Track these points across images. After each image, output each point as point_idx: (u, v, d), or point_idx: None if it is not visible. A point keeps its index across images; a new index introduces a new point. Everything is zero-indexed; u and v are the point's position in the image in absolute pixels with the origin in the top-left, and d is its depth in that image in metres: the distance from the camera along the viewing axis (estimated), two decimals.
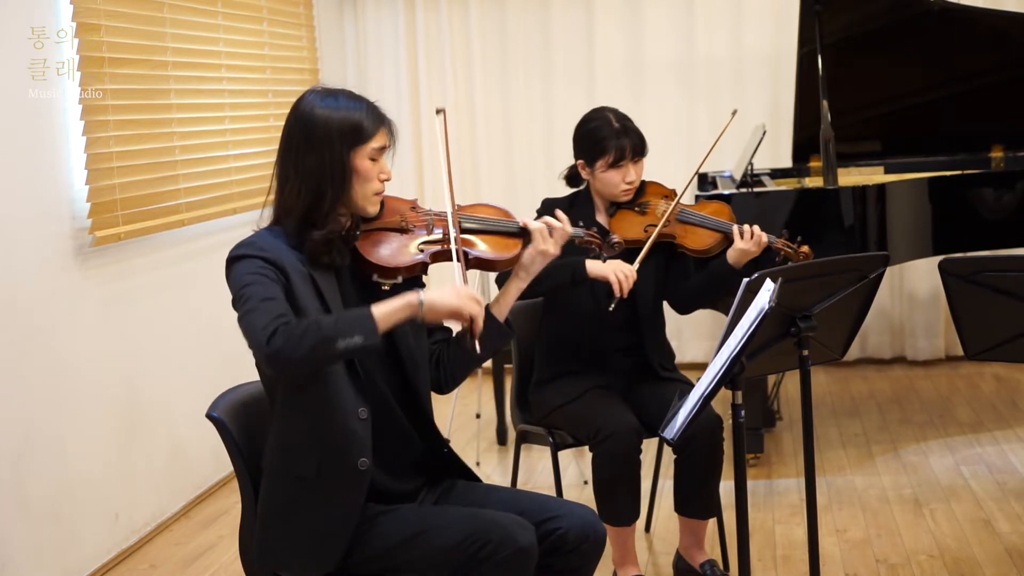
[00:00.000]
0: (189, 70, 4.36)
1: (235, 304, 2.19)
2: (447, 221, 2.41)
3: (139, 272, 4.00)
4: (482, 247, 2.46)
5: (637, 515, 3.20)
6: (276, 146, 5.52)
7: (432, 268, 2.43)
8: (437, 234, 2.41)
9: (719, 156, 5.65)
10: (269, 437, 2.34)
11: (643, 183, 3.36)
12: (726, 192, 4.34)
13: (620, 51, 5.82)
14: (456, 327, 2.36)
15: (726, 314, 2.42)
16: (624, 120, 3.27)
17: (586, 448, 3.21)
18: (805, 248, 3.28)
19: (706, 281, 3.32)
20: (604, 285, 3.17)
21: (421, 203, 2.49)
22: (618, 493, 3.13)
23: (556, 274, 2.99)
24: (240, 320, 2.15)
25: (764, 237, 3.23)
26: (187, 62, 4.35)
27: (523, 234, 2.50)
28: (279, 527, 2.28)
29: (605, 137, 3.23)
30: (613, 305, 3.14)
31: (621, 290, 3.09)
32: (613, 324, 3.30)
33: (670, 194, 3.37)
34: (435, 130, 2.49)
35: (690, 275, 3.35)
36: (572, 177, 3.39)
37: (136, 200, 3.93)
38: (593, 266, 3.11)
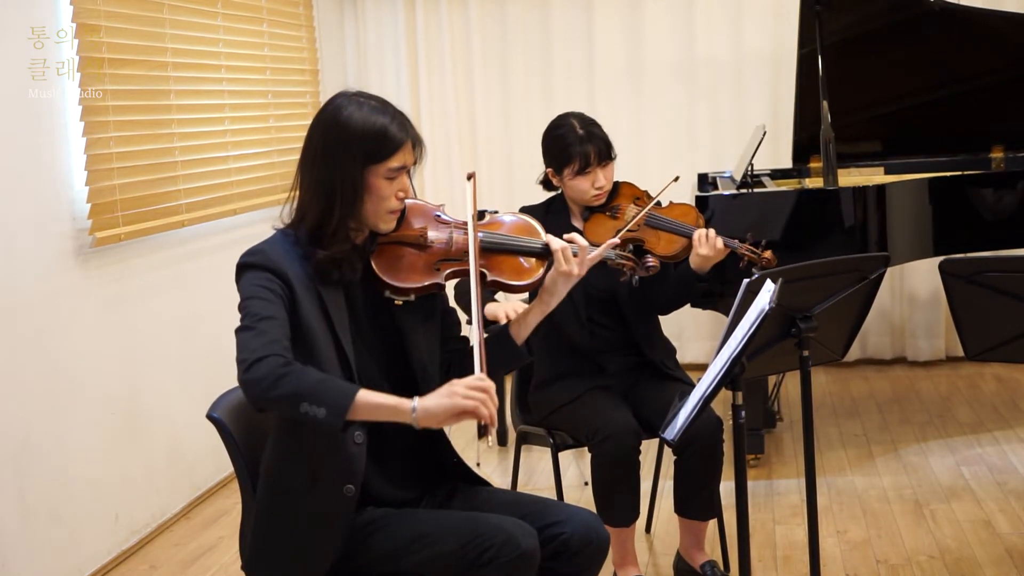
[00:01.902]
0: (189, 71, 4.36)
1: (239, 311, 2.17)
2: (466, 235, 2.30)
3: (139, 273, 4.00)
4: (502, 271, 2.34)
5: (636, 516, 3.20)
6: (276, 147, 5.51)
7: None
8: (455, 254, 2.29)
9: (721, 156, 5.67)
10: (268, 442, 2.33)
11: (617, 184, 3.34)
12: (727, 193, 4.33)
13: (620, 51, 5.82)
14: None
15: (727, 315, 2.42)
16: (589, 126, 3.24)
17: (586, 449, 3.21)
18: (768, 253, 3.23)
19: (673, 285, 3.29)
20: (583, 288, 3.17)
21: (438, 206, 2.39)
22: (617, 494, 3.13)
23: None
24: (236, 333, 2.11)
25: (721, 243, 3.18)
26: (187, 63, 4.35)
27: (546, 254, 2.38)
28: (268, 536, 2.28)
29: (570, 144, 3.21)
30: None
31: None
32: (599, 325, 3.30)
33: (642, 196, 3.34)
34: (466, 192, 2.35)
35: (668, 277, 3.31)
36: (548, 182, 3.38)
37: (136, 201, 3.93)
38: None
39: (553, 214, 3.32)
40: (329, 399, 2.00)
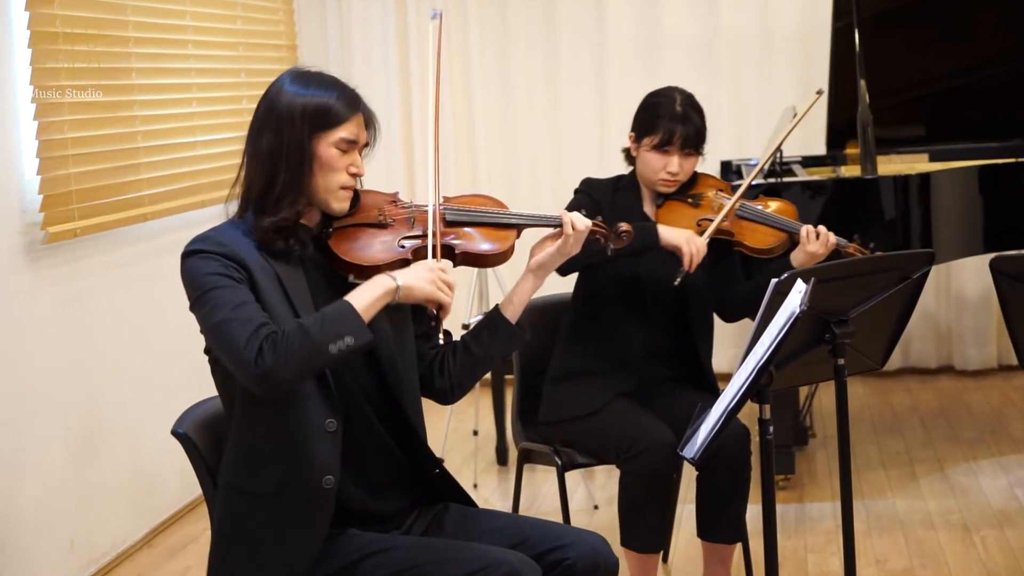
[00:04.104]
0: (152, 46, 4.36)
1: (196, 307, 2.20)
2: (429, 215, 2.40)
3: (97, 272, 4.00)
4: (471, 240, 2.45)
5: (665, 542, 3.19)
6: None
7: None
8: (419, 229, 2.41)
9: (746, 142, 5.67)
10: (226, 448, 2.35)
11: (696, 174, 3.40)
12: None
13: (633, 26, 5.82)
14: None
15: (753, 319, 2.42)
16: (690, 108, 3.30)
17: (596, 469, 3.22)
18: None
19: (764, 285, 3.32)
20: (659, 279, 3.23)
21: (405, 197, 2.49)
22: (648, 515, 3.14)
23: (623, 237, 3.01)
24: (213, 330, 2.16)
25: (833, 239, 3.27)
26: (150, 37, 4.35)
27: (517, 226, 2.50)
28: (234, 549, 2.29)
29: (660, 116, 3.28)
30: (679, 279, 3.18)
31: (691, 263, 3.14)
32: (658, 325, 3.32)
33: (725, 187, 3.42)
34: (428, 37, 2.50)
35: (737, 279, 3.39)
36: (629, 153, 3.43)
37: (93, 192, 3.93)
38: (666, 232, 3.16)
39: (622, 193, 3.37)
40: (343, 327, 2.15)
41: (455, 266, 2.43)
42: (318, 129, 2.28)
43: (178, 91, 4.55)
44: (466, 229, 2.47)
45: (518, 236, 2.50)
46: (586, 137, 5.89)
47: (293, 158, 2.27)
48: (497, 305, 2.51)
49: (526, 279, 2.51)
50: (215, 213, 4.59)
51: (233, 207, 2.36)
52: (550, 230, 2.52)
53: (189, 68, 4.63)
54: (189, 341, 4.29)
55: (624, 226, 2.72)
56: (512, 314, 2.48)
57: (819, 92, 3.54)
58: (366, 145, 2.37)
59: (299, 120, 2.27)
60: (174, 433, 2.42)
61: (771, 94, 5.70)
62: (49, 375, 3.73)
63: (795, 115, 4.43)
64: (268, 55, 5.26)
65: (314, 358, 2.14)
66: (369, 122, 2.36)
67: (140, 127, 4.24)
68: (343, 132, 2.30)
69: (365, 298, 2.20)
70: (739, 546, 3.32)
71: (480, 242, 2.46)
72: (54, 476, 3.74)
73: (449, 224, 2.44)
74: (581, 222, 2.50)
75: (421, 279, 2.26)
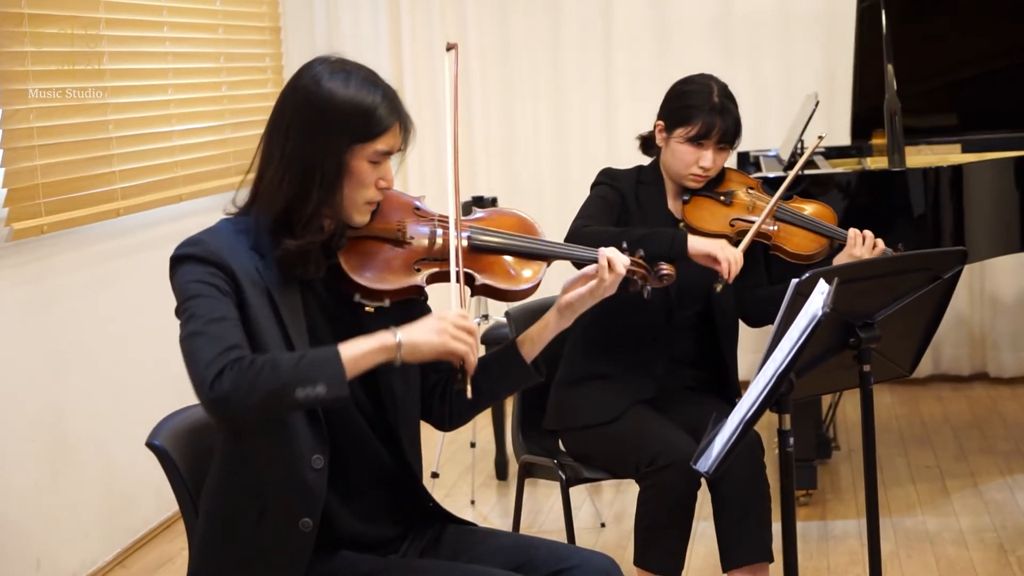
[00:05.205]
0: (125, 28, 4.37)
1: (178, 316, 2.17)
2: (453, 233, 2.31)
3: (66, 272, 4.00)
4: (495, 273, 2.37)
5: (682, 565, 3.19)
6: (229, 120, 5.48)
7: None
8: (438, 248, 2.32)
9: (764, 131, 5.67)
10: (210, 472, 2.34)
11: (723, 170, 3.41)
12: (771, 175, 4.33)
13: (643, 5, 5.82)
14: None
15: (772, 323, 2.42)
16: (727, 99, 3.32)
17: (603, 484, 3.21)
18: None
19: None
20: (686, 281, 3.21)
21: (424, 202, 2.41)
22: (668, 534, 3.14)
23: (649, 246, 3.00)
24: (182, 342, 2.12)
25: (881, 245, 3.30)
26: (123, 19, 4.35)
27: (548, 257, 2.43)
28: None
29: (697, 106, 3.29)
30: (720, 287, 3.19)
31: (729, 274, 3.14)
32: (683, 331, 3.32)
33: (755, 185, 3.42)
34: (444, 71, 2.42)
35: (763, 283, 3.41)
36: (647, 142, 3.43)
37: (62, 186, 3.93)
38: (697, 242, 3.16)
39: (645, 186, 3.38)
40: (320, 372, 2.07)
41: (472, 295, 2.38)
42: (356, 140, 2.21)
43: (153, 77, 4.54)
44: (491, 258, 2.39)
45: (548, 265, 2.43)
46: (592, 126, 5.89)
47: (329, 172, 2.20)
48: (514, 340, 2.44)
49: (551, 317, 2.43)
50: (192, 208, 4.59)
51: (234, 198, 2.30)
52: (585, 265, 2.43)
53: (165, 52, 4.62)
54: (165, 345, 4.27)
55: (666, 268, 2.64)
56: (529, 353, 2.42)
57: (820, 137, 3.53)
58: (399, 150, 2.30)
59: (338, 127, 2.20)
60: (149, 445, 2.42)
61: (791, 79, 5.70)
62: (14, 382, 3.73)
63: (816, 103, 4.45)
64: (250, 38, 5.25)
65: (277, 397, 2.05)
66: (404, 127, 2.29)
67: (112, 116, 4.24)
68: (381, 144, 2.23)
69: (356, 349, 2.11)
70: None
71: (505, 277, 2.38)
72: (19, 490, 3.74)
73: (474, 250, 2.35)
74: (620, 263, 2.41)
75: (429, 331, 2.15)
